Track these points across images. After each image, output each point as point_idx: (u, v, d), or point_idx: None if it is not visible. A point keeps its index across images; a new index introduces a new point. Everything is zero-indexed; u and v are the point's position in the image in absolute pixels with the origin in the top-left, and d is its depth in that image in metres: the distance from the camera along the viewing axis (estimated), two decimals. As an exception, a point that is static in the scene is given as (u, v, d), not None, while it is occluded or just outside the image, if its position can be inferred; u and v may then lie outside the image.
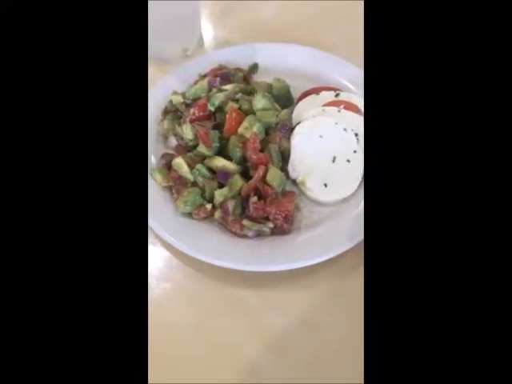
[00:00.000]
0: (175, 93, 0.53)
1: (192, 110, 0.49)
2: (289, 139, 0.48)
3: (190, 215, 0.45)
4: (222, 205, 0.44)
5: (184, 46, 0.61)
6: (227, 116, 0.48)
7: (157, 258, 0.45)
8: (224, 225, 0.45)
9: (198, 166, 0.46)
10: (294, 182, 0.48)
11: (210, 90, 0.52)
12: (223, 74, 0.53)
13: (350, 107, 0.50)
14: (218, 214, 0.44)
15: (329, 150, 0.47)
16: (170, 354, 0.39)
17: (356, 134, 0.48)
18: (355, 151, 0.47)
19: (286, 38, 0.60)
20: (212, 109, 0.49)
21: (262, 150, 0.46)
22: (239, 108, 0.49)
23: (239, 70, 0.56)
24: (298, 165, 0.47)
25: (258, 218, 0.44)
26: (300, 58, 0.57)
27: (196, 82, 0.54)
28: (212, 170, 0.47)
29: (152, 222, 0.44)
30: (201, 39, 0.64)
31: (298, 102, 0.53)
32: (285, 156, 0.48)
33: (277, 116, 0.49)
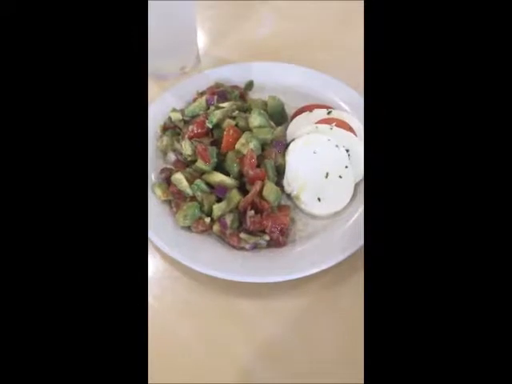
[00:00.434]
0: (174, 110, 0.55)
1: (191, 127, 0.51)
2: (284, 155, 0.50)
3: (189, 228, 0.47)
4: (220, 218, 0.46)
5: (182, 63, 0.63)
6: (225, 133, 0.49)
7: (156, 269, 0.46)
8: (222, 238, 0.46)
9: (197, 181, 0.48)
10: (289, 196, 0.50)
11: (207, 107, 0.53)
12: (220, 93, 0.55)
13: (341, 125, 0.52)
14: (216, 228, 0.46)
15: (322, 166, 0.49)
16: (169, 363, 0.40)
17: (347, 151, 0.50)
18: (346, 167, 0.49)
19: (281, 58, 0.62)
20: (210, 126, 0.51)
21: (258, 166, 0.48)
22: (236, 125, 0.51)
23: (236, 87, 0.58)
24: (293, 180, 0.49)
25: (255, 231, 0.45)
26: (294, 76, 0.60)
27: (194, 100, 0.56)
28: (210, 185, 0.48)
29: (152, 234, 0.45)
30: (198, 57, 0.66)
31: (292, 118, 0.55)
32: (280, 171, 0.50)
33: (272, 133, 0.51)
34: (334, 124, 0.52)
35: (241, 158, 0.48)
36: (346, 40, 0.67)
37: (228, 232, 0.45)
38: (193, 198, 0.48)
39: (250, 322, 0.43)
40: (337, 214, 0.48)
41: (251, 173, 0.47)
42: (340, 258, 0.44)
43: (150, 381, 0.33)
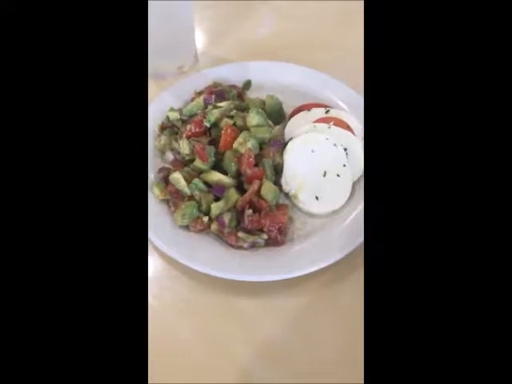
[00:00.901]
0: (172, 109, 0.55)
1: (188, 126, 0.51)
2: (282, 154, 0.50)
3: (187, 227, 0.47)
4: (218, 217, 0.46)
5: (180, 63, 0.63)
6: (222, 132, 0.50)
7: (155, 268, 0.46)
8: (220, 237, 0.46)
9: (195, 180, 0.48)
10: (287, 195, 0.50)
11: (205, 106, 0.54)
12: (218, 92, 0.55)
13: (339, 123, 0.52)
14: (214, 227, 0.46)
15: (320, 165, 0.49)
16: (169, 362, 0.40)
17: (345, 149, 0.50)
18: (344, 165, 0.49)
19: (279, 57, 0.62)
20: (208, 125, 0.51)
21: (256, 165, 0.48)
22: (234, 124, 0.51)
23: (233, 87, 0.58)
24: (291, 179, 0.49)
25: (253, 230, 0.45)
26: (292, 75, 0.60)
27: (192, 99, 0.56)
28: (208, 184, 0.48)
29: (150, 233, 0.45)
30: (196, 56, 0.66)
31: (290, 118, 0.55)
32: (278, 170, 0.50)
33: (270, 132, 0.51)
34: (331, 123, 0.52)
35: (239, 157, 0.48)
36: (345, 40, 0.67)
37: (226, 231, 0.45)
38: (191, 197, 0.48)
39: (250, 321, 0.43)
40: (335, 212, 0.48)
41: (249, 172, 0.47)
42: (338, 256, 0.44)
43: (150, 381, 0.33)
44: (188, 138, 0.50)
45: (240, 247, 0.45)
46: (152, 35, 0.52)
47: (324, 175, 0.49)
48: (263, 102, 0.55)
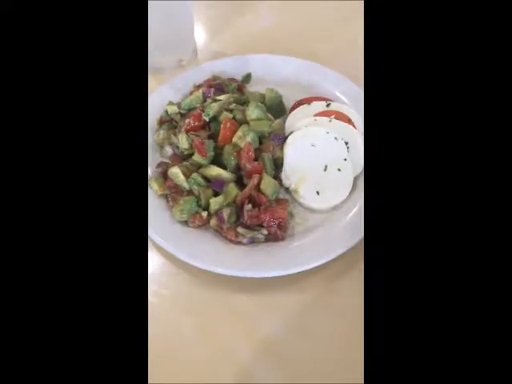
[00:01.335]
0: (171, 103, 0.54)
1: (187, 120, 0.50)
2: (282, 148, 0.50)
3: (185, 223, 0.46)
4: (218, 213, 0.45)
5: (179, 56, 0.63)
6: (221, 126, 0.49)
7: (153, 264, 0.46)
8: (219, 232, 0.46)
9: (194, 174, 0.47)
10: (287, 189, 0.49)
11: (204, 100, 0.53)
12: (217, 85, 0.54)
13: (340, 117, 0.51)
14: (213, 222, 0.46)
15: (320, 159, 0.48)
16: (168, 358, 0.40)
17: (346, 143, 0.49)
18: (345, 159, 0.49)
19: (279, 51, 0.61)
20: (207, 119, 0.50)
21: (255, 159, 0.47)
22: (233, 118, 0.50)
23: (233, 80, 0.58)
24: (291, 173, 0.48)
25: (253, 225, 0.45)
26: (292, 68, 0.59)
27: (191, 93, 0.55)
28: (207, 179, 0.48)
29: (149, 229, 0.45)
30: (195, 50, 0.65)
31: (290, 111, 0.55)
32: (278, 165, 0.49)
33: (270, 126, 0.50)
34: (332, 116, 0.51)
35: (238, 151, 0.48)
36: (345, 32, 0.67)
37: (225, 226, 0.45)
38: (189, 192, 0.47)
39: (249, 318, 0.42)
40: (336, 207, 0.47)
41: (248, 166, 0.47)
42: (339, 251, 0.43)
43: (150, 381, 0.33)
44: (187, 132, 0.50)
45: (239, 243, 0.45)
46: (151, 29, 0.51)
47: (325, 170, 0.48)
48: (263, 96, 0.55)
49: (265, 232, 0.45)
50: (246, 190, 0.45)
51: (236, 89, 0.56)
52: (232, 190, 0.46)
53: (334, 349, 0.40)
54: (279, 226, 0.45)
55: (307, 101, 0.54)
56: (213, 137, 0.49)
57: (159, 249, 0.46)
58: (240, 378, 0.39)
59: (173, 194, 0.48)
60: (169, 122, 0.53)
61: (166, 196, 0.48)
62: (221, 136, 0.49)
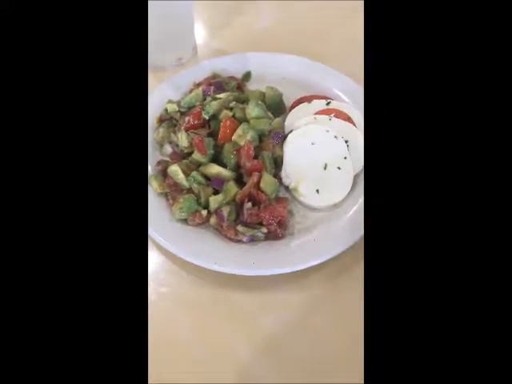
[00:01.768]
0: (170, 101, 0.54)
1: (187, 119, 0.50)
2: (282, 146, 0.50)
3: (185, 221, 0.46)
4: (217, 211, 0.45)
5: (179, 54, 0.63)
6: (221, 124, 0.49)
7: (153, 263, 0.46)
8: (219, 230, 0.45)
9: (194, 173, 0.47)
10: (287, 188, 0.49)
11: (204, 98, 0.53)
12: (217, 83, 0.54)
13: (340, 115, 0.51)
14: (213, 220, 0.45)
15: (320, 157, 0.48)
16: (168, 357, 0.40)
17: (346, 142, 0.49)
18: (345, 158, 0.48)
19: (280, 49, 0.61)
20: (206, 117, 0.50)
21: (255, 157, 0.47)
22: (233, 116, 0.50)
23: (233, 78, 0.58)
24: (291, 171, 0.48)
25: (252, 223, 0.45)
26: (292, 66, 0.59)
27: (191, 91, 0.55)
28: (207, 177, 0.48)
29: (148, 227, 0.45)
30: (195, 48, 0.65)
31: (290, 109, 0.54)
32: (278, 163, 0.49)
33: (270, 124, 0.50)
34: (332, 115, 0.51)
35: (238, 149, 0.48)
36: (345, 31, 0.66)
37: (225, 224, 0.45)
38: (189, 191, 0.47)
39: (248, 316, 0.42)
40: (336, 205, 0.47)
41: (248, 164, 0.46)
42: (340, 249, 0.43)
43: (149, 381, 0.33)
44: (186, 130, 0.50)
45: (239, 241, 0.45)
46: (151, 27, 0.51)
47: (325, 168, 0.48)
48: (263, 94, 0.55)
49: (264, 230, 0.45)
50: (246, 188, 0.45)
51: (236, 87, 0.56)
52: (232, 188, 0.46)
53: (334, 348, 0.40)
54: (279, 225, 0.45)
55: (307, 99, 0.54)
56: (212, 135, 0.49)
57: (159, 247, 0.46)
58: (240, 374, 0.39)
59: (172, 192, 0.48)
60: (168, 120, 0.53)
61: (165, 194, 0.48)
62: (221, 134, 0.49)
